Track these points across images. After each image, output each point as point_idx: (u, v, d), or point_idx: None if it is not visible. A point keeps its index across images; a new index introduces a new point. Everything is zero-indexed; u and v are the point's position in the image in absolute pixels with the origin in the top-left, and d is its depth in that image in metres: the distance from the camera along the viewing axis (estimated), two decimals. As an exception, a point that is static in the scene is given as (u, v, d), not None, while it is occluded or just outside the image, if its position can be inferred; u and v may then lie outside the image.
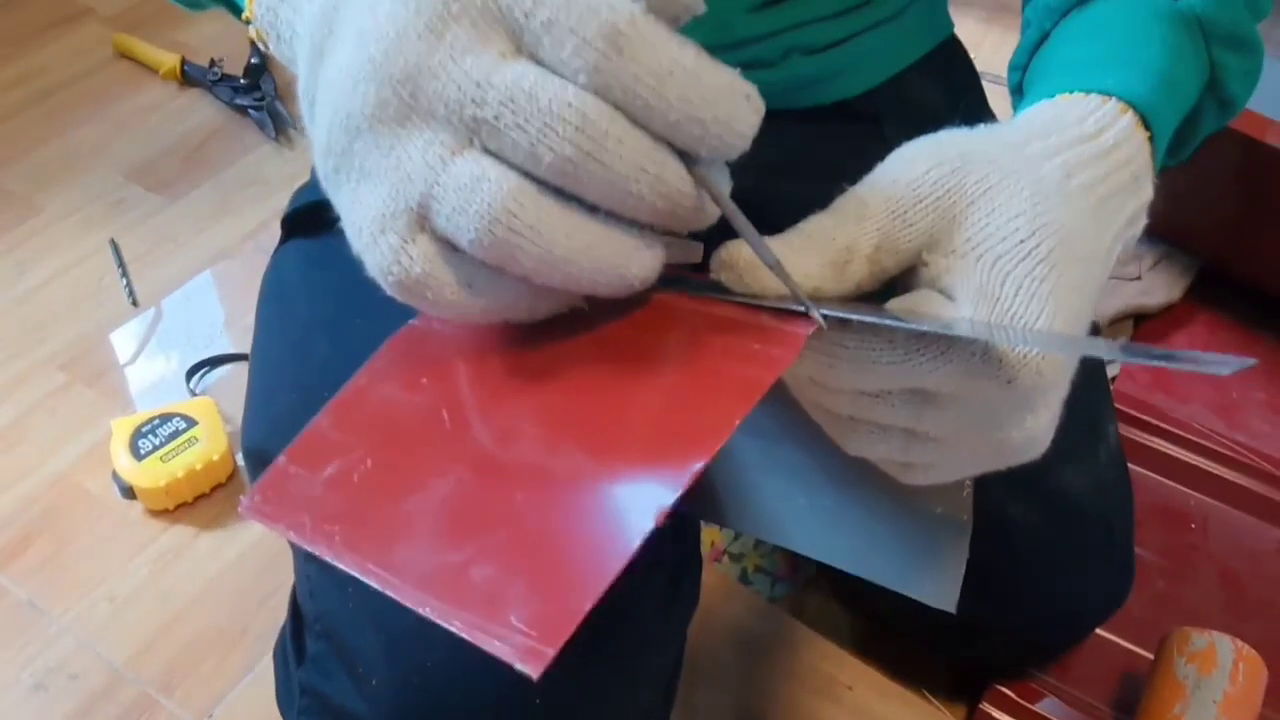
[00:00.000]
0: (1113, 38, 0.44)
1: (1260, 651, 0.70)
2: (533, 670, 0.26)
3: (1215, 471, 0.91)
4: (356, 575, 0.30)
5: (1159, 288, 1.06)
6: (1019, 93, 0.52)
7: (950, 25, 0.70)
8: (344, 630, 0.47)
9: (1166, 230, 1.06)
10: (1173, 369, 0.52)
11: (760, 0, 0.58)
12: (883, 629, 0.83)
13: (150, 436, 0.93)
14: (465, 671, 0.43)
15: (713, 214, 0.32)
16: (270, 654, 0.61)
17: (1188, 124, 0.47)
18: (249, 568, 0.89)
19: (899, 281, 0.36)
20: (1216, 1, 0.45)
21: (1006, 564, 0.64)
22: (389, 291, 0.32)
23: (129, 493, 0.92)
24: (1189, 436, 0.93)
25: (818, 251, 0.33)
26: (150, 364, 1.06)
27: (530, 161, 0.28)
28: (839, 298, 0.35)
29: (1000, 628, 0.71)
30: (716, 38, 0.58)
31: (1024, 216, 0.34)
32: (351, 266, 0.52)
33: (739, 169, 0.61)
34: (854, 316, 0.32)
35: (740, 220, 0.33)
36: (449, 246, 0.30)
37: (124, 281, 1.13)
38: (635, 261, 0.31)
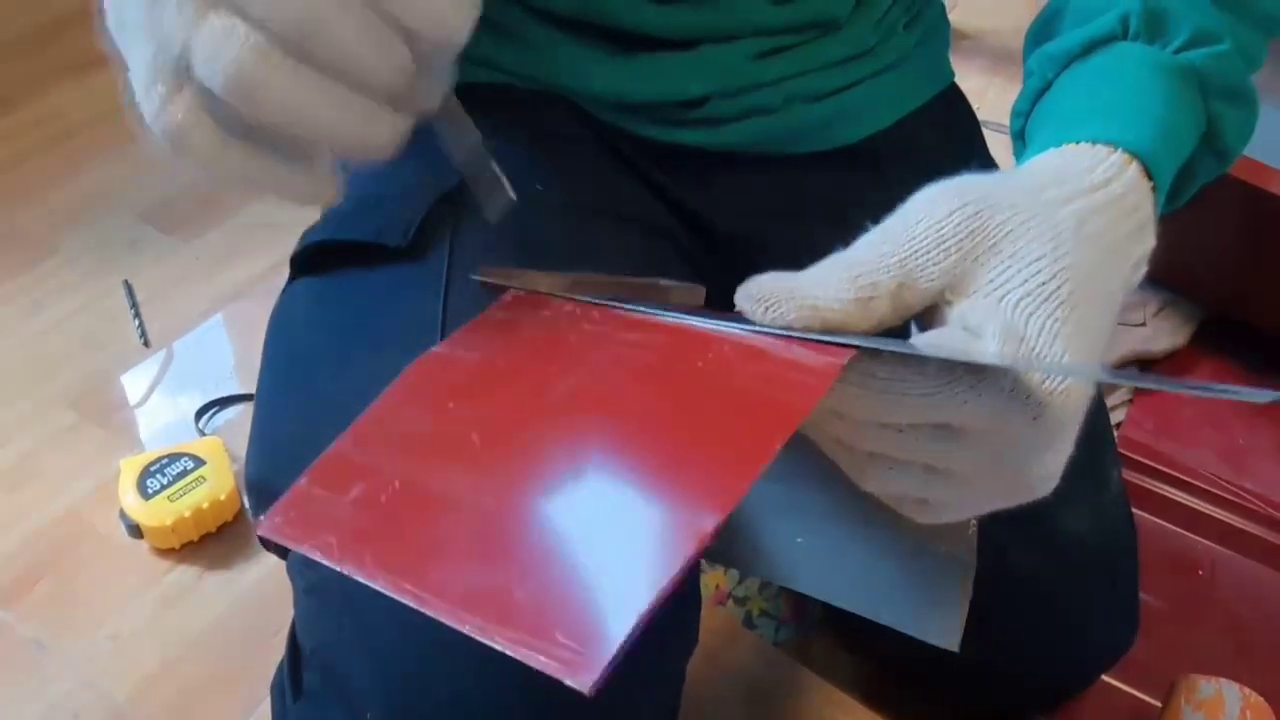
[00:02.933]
0: (1116, 89, 0.45)
1: (1268, 699, 0.69)
2: (583, 684, 0.26)
3: (1222, 518, 0.91)
4: (391, 595, 0.30)
5: (1164, 334, 1.06)
6: (1021, 139, 0.53)
7: (951, 73, 0.71)
8: (340, 664, 0.47)
9: (1171, 277, 1.07)
10: (1208, 398, 0.53)
11: (762, 49, 0.59)
12: (888, 674, 0.82)
13: (158, 476, 0.93)
14: (462, 706, 0.43)
15: (436, 99, 0.36)
16: (272, 693, 0.61)
17: (1185, 173, 0.48)
18: (253, 608, 0.89)
19: (919, 321, 0.37)
20: (1214, 55, 0.47)
21: (1011, 609, 0.64)
22: (160, 140, 0.34)
23: (136, 531, 0.92)
24: (1196, 483, 0.93)
25: (842, 288, 0.34)
26: (160, 404, 1.07)
27: (269, 22, 0.31)
28: (863, 333, 0.35)
29: (1005, 673, 0.71)
30: (719, 84, 0.59)
31: (1045, 260, 0.35)
32: (356, 303, 0.53)
33: (744, 212, 0.62)
34: (886, 346, 0.33)
35: (457, 110, 0.37)
36: (211, 98, 0.33)
37: (136, 322, 1.14)
38: (373, 123, 0.34)
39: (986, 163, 0.69)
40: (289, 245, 0.58)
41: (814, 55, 0.61)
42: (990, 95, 1.51)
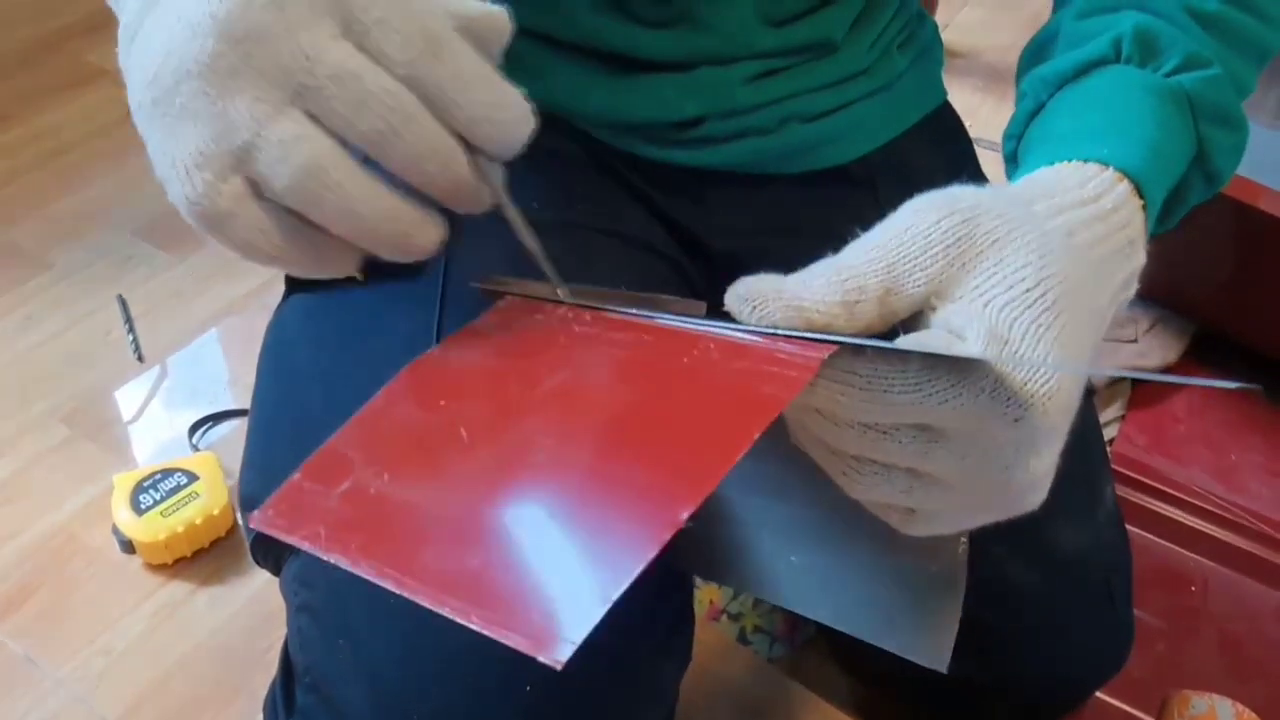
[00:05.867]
0: (1108, 110, 0.46)
1: (1260, 715, 0.70)
2: (555, 661, 0.26)
3: (1215, 534, 0.91)
4: (374, 580, 0.31)
5: (1155, 350, 1.06)
6: (1013, 160, 0.53)
7: (943, 92, 0.72)
8: (332, 682, 0.47)
9: (1162, 294, 1.07)
10: (1181, 384, 0.55)
11: (758, 71, 0.59)
12: (881, 691, 0.82)
13: (151, 491, 0.93)
14: None
15: (487, 202, 0.38)
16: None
17: (1175, 195, 0.48)
18: (246, 624, 0.89)
19: (905, 327, 0.37)
20: (1204, 80, 0.47)
21: (1004, 625, 0.64)
22: (187, 218, 0.36)
23: (128, 547, 0.92)
24: (1188, 499, 0.93)
25: (829, 290, 0.34)
26: (154, 420, 1.07)
27: (346, 129, 0.34)
28: (850, 334, 0.35)
29: (998, 690, 0.71)
30: (715, 106, 0.60)
31: (1030, 267, 0.35)
32: (350, 319, 0.53)
33: (738, 230, 0.62)
34: (869, 343, 0.33)
35: (509, 208, 0.39)
36: (256, 192, 0.35)
37: (130, 337, 1.14)
38: (419, 229, 0.36)
39: (980, 181, 0.70)
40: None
41: (809, 77, 0.61)
42: (983, 113, 1.52)
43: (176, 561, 0.92)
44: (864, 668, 0.83)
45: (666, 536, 0.28)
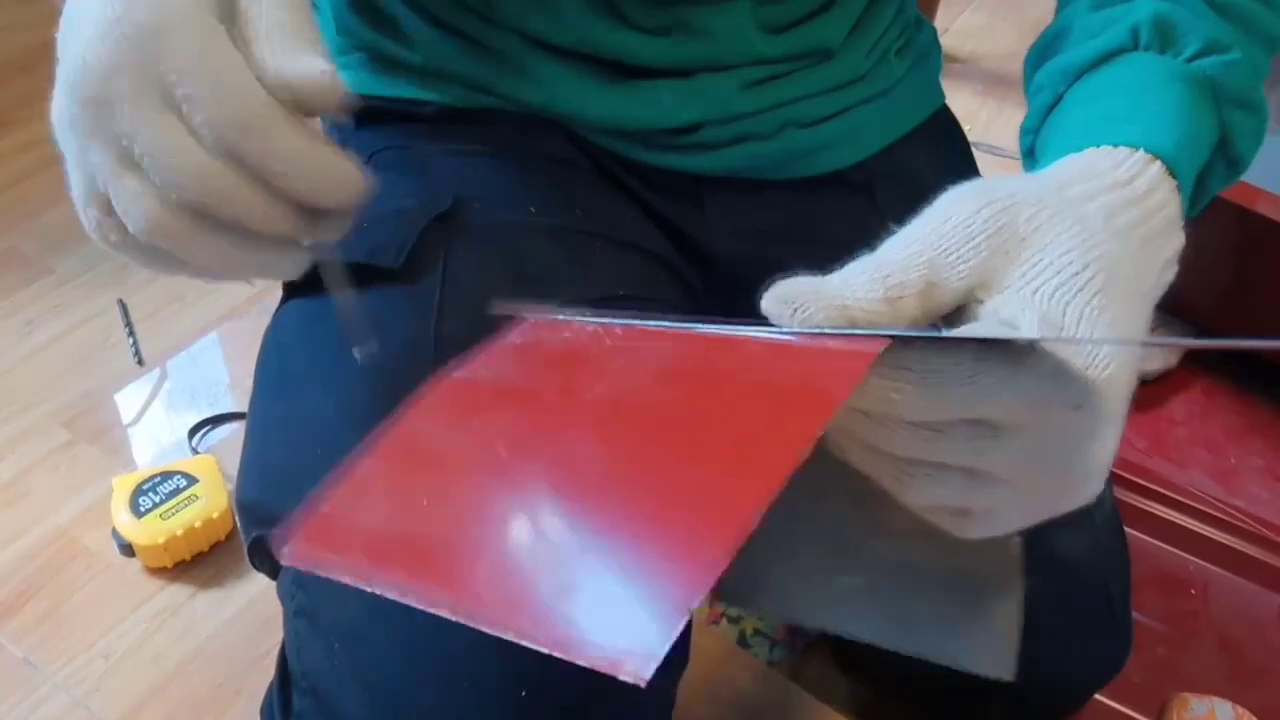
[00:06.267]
0: (1133, 96, 0.45)
1: (1260, 717, 0.69)
2: (639, 678, 0.25)
3: (1214, 537, 0.91)
4: (428, 610, 0.30)
5: (1156, 354, 1.06)
6: (1031, 156, 0.53)
7: (942, 97, 0.72)
8: (329, 688, 0.47)
9: (1162, 298, 1.07)
10: (1246, 349, 0.53)
11: (755, 77, 0.59)
12: (881, 694, 0.82)
13: (151, 494, 0.93)
14: None
15: (335, 235, 0.38)
16: (263, 714, 0.61)
17: (1199, 182, 0.48)
18: (245, 627, 0.89)
19: (949, 321, 0.36)
20: (1226, 64, 0.47)
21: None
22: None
23: (128, 550, 0.92)
24: (1188, 502, 0.93)
25: (870, 288, 0.34)
26: (154, 423, 1.07)
27: (174, 192, 0.35)
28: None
29: (999, 693, 0.71)
30: (713, 112, 0.60)
31: (1076, 251, 0.34)
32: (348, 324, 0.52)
33: (736, 235, 0.62)
34: (923, 333, 0.32)
35: (330, 266, 0.40)
36: None
37: (130, 341, 1.14)
38: (273, 262, 0.38)
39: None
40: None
41: (807, 83, 0.61)
42: (982, 118, 1.53)
43: (176, 564, 0.92)
44: (864, 671, 0.83)
45: (740, 540, 0.27)
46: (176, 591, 0.91)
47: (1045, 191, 0.37)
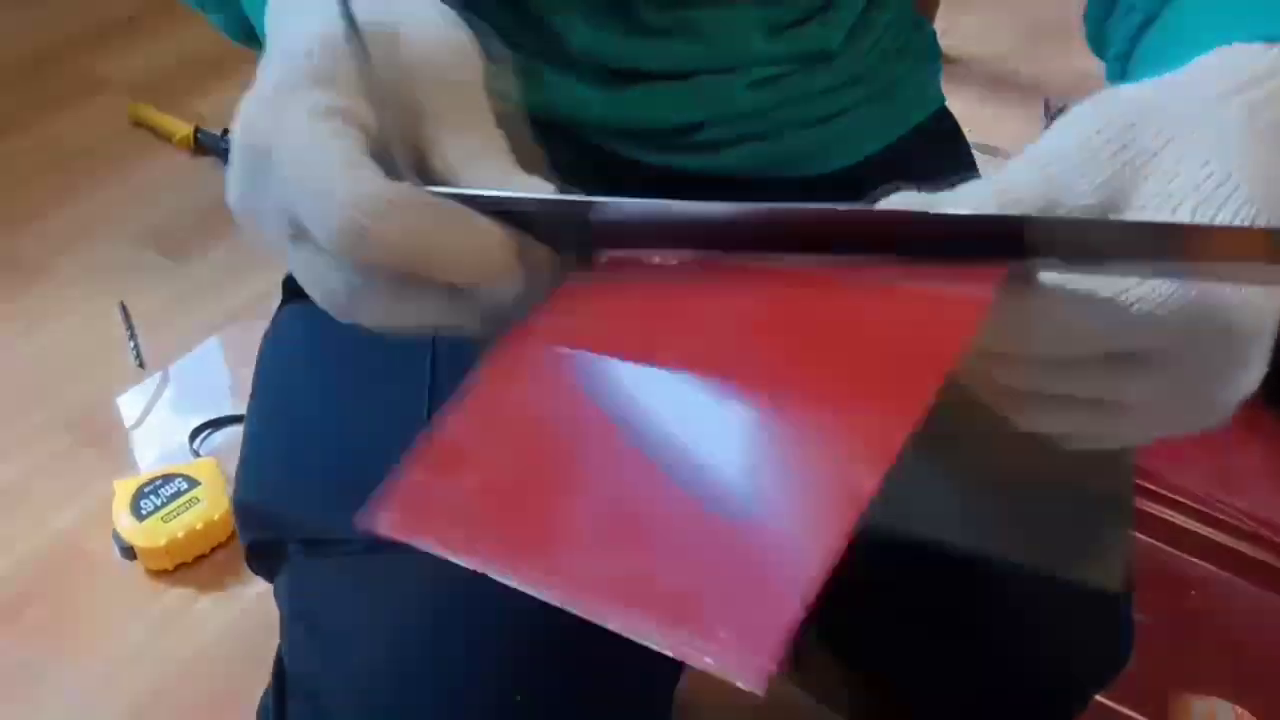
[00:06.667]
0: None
1: (1261, 717, 0.69)
2: (757, 687, 0.23)
3: (1215, 538, 0.91)
4: (528, 590, 0.27)
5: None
6: (1119, 81, 0.51)
7: (941, 97, 0.72)
8: (324, 692, 0.47)
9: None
10: None
11: (757, 77, 0.60)
12: (881, 698, 0.82)
13: (152, 497, 0.93)
14: None
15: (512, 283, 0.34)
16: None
17: None
18: (247, 630, 0.89)
19: None
20: None
21: (1003, 628, 0.64)
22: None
23: (129, 553, 0.92)
24: (1188, 502, 0.93)
25: (984, 205, 0.31)
26: (155, 426, 1.07)
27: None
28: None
29: (999, 694, 0.71)
30: (714, 112, 0.60)
31: (1216, 161, 0.31)
32: (345, 329, 0.53)
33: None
34: (1068, 218, 0.29)
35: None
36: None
37: (132, 344, 1.14)
38: (465, 315, 0.34)
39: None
40: (284, 269, 0.58)
41: (807, 83, 0.61)
42: (982, 119, 1.53)
43: (177, 567, 0.92)
44: (863, 673, 0.83)
45: (854, 516, 0.25)
46: (178, 594, 0.91)
47: (1177, 99, 0.33)
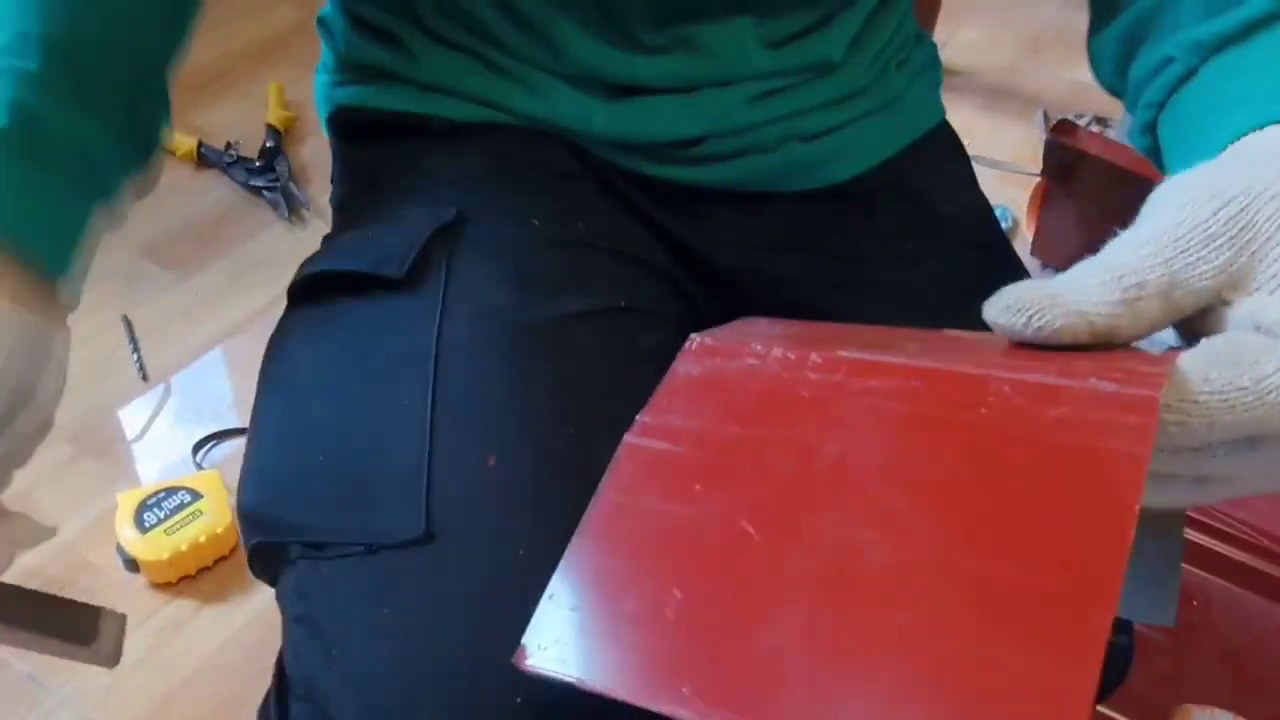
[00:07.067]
0: None
1: (1264, 730, 0.69)
2: None
3: (1217, 549, 0.91)
4: None
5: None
6: (1148, 130, 0.51)
7: (942, 110, 0.72)
8: (326, 695, 0.47)
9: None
10: None
11: (758, 91, 0.60)
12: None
13: (155, 509, 0.93)
14: None
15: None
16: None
17: None
18: (249, 642, 0.89)
19: (1180, 330, 0.35)
20: None
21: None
22: None
23: (132, 565, 0.92)
24: (1192, 514, 0.93)
25: (1106, 290, 0.32)
26: (158, 438, 1.07)
27: None
28: (1130, 338, 0.33)
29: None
30: (715, 126, 0.60)
31: None
32: (351, 334, 0.53)
33: (737, 247, 0.63)
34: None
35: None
36: None
37: (135, 357, 1.14)
38: None
39: (978, 198, 0.70)
40: (286, 281, 0.58)
41: (808, 96, 0.62)
42: (981, 132, 1.53)
43: (180, 580, 0.93)
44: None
45: (1090, 696, 0.23)
46: (181, 606, 0.91)
47: (1275, 179, 0.35)
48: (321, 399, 0.52)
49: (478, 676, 0.43)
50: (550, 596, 0.31)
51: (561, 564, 0.31)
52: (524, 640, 0.30)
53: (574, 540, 0.32)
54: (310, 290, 0.56)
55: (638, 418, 0.34)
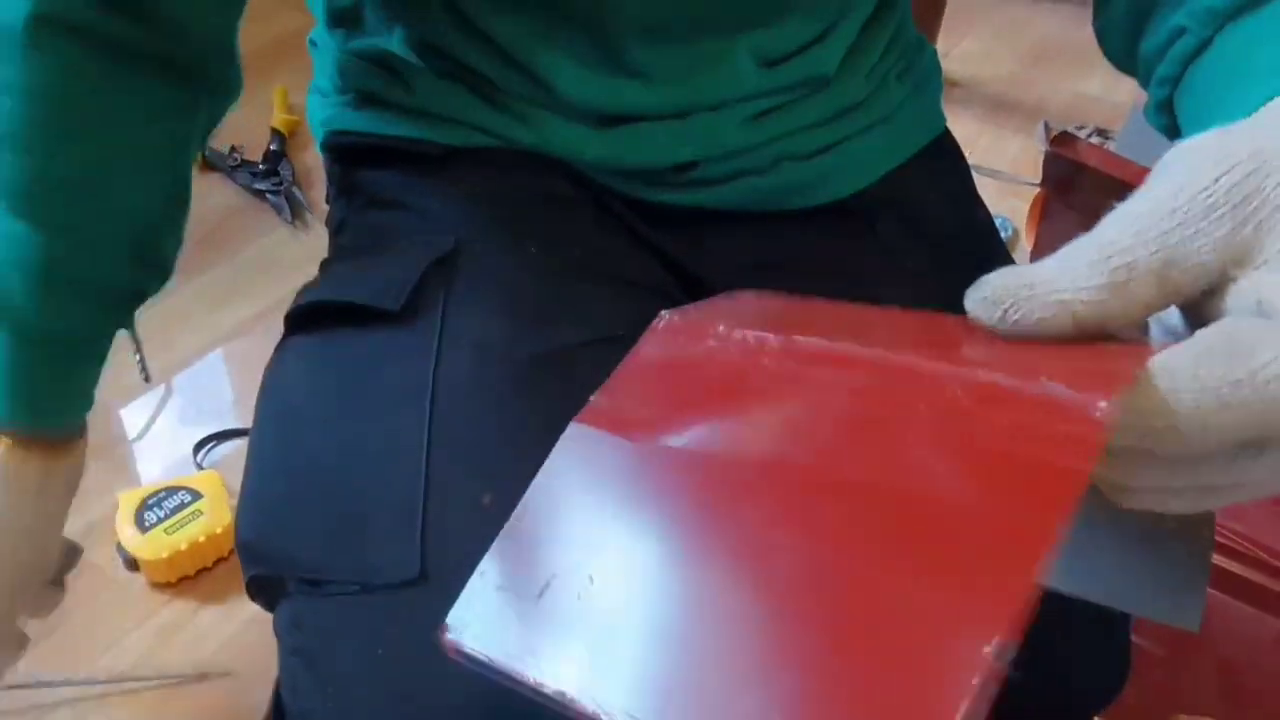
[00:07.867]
0: None
1: (1257, 742, 0.70)
2: None
3: (1213, 560, 0.92)
4: None
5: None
6: (1163, 108, 0.48)
7: (943, 121, 0.72)
8: None
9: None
10: None
11: (751, 113, 0.59)
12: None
13: (155, 509, 0.94)
14: None
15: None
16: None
17: None
18: (249, 642, 0.89)
19: (1184, 311, 0.32)
20: None
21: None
22: None
23: (132, 565, 0.93)
24: (1185, 525, 0.93)
25: (1090, 273, 0.29)
26: (159, 438, 1.08)
27: None
28: (1124, 324, 0.30)
29: (998, 715, 0.71)
30: (709, 149, 0.60)
31: None
32: (348, 365, 0.53)
33: (736, 268, 0.62)
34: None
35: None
36: None
37: (137, 357, 1.15)
38: None
39: (980, 210, 0.70)
40: (288, 284, 0.59)
41: (802, 114, 0.61)
42: (982, 143, 1.54)
43: (180, 580, 0.93)
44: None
45: (975, 682, 0.23)
46: (181, 606, 0.91)
47: None
48: (318, 431, 0.51)
49: (472, 716, 0.43)
50: (481, 574, 0.31)
51: (496, 541, 0.31)
52: (448, 619, 0.30)
53: (512, 518, 0.32)
54: (308, 319, 0.55)
55: (591, 399, 0.34)
